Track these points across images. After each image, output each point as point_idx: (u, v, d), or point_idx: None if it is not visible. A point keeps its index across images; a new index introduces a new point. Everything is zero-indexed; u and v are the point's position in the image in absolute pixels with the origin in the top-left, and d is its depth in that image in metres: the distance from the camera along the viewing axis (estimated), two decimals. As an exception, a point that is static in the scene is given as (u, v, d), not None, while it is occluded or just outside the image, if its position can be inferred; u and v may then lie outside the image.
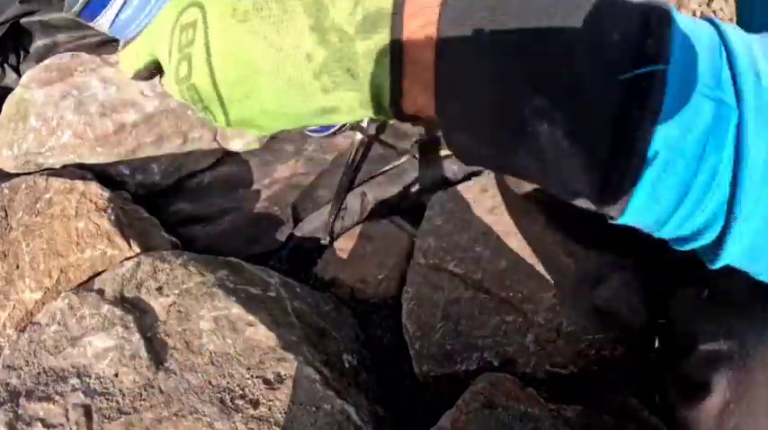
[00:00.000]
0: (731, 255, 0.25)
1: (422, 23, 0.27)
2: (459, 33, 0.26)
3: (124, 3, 0.37)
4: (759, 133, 0.22)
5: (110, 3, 0.37)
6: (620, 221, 0.27)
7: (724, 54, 0.24)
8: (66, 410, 0.60)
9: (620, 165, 0.24)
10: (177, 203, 1.03)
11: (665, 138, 0.23)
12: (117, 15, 0.38)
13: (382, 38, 0.28)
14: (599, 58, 0.23)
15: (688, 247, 0.27)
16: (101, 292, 0.71)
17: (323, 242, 0.97)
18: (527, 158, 0.26)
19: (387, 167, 1.07)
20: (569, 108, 0.24)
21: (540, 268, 0.82)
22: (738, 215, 0.23)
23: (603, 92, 0.23)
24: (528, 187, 0.83)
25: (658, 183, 0.24)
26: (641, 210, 0.25)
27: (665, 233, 0.26)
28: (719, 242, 0.25)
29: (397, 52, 0.27)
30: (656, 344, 0.84)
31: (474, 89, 0.26)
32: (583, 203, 0.27)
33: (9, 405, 0.60)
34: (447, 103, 0.28)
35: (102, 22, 0.40)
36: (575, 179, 0.25)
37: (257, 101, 0.31)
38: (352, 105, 0.31)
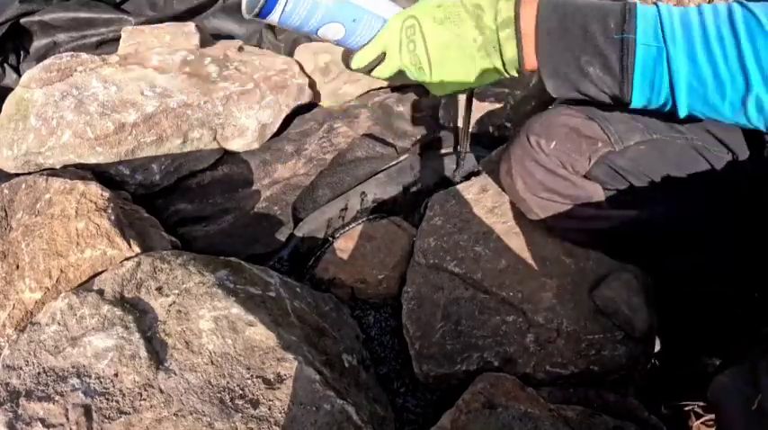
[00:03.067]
0: (684, 106, 0.55)
1: (529, 27, 0.58)
2: (545, 28, 0.57)
3: (286, 1, 0.58)
4: (675, 51, 0.53)
5: (277, 3, 0.58)
6: (632, 104, 0.58)
7: (657, 19, 0.54)
8: (66, 410, 0.60)
9: (625, 77, 0.55)
10: (177, 203, 1.03)
11: (639, 63, 0.54)
12: (283, 9, 0.59)
13: (511, 30, 0.59)
14: (606, 36, 0.55)
15: (666, 110, 0.58)
16: (101, 292, 0.71)
17: (323, 242, 0.97)
18: (586, 84, 0.58)
19: (387, 166, 1.07)
20: (600, 58, 0.56)
21: (540, 268, 0.82)
22: (675, 90, 0.55)
23: (613, 51, 0.55)
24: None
25: (642, 81, 0.55)
26: (638, 97, 0.57)
27: (653, 106, 0.58)
28: (674, 103, 0.56)
29: (519, 37, 0.59)
30: (657, 345, 0.84)
31: (554, 56, 0.58)
32: (611, 100, 0.59)
33: (9, 405, 0.60)
34: (542, 63, 0.59)
35: (273, 17, 0.60)
36: (608, 87, 0.57)
37: (447, 64, 0.63)
38: (497, 67, 0.63)
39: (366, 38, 0.65)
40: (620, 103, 0.59)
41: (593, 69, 0.56)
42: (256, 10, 0.57)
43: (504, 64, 0.62)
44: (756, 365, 0.51)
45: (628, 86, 0.56)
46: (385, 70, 0.66)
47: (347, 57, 0.68)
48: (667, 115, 0.59)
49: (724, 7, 0.52)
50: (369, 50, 0.65)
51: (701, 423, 0.77)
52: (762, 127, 0.54)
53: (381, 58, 0.66)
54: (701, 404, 0.78)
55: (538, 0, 0.58)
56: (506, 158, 0.83)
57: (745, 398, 0.50)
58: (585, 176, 0.76)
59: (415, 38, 0.62)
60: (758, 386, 0.49)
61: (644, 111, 0.64)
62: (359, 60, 0.66)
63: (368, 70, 0.67)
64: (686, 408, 0.79)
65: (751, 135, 0.75)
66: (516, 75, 0.63)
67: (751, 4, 0.51)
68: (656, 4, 0.56)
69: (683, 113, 0.56)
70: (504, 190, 0.91)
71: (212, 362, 0.64)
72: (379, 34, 0.64)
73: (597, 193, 0.76)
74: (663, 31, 0.53)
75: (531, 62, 0.60)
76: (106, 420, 0.59)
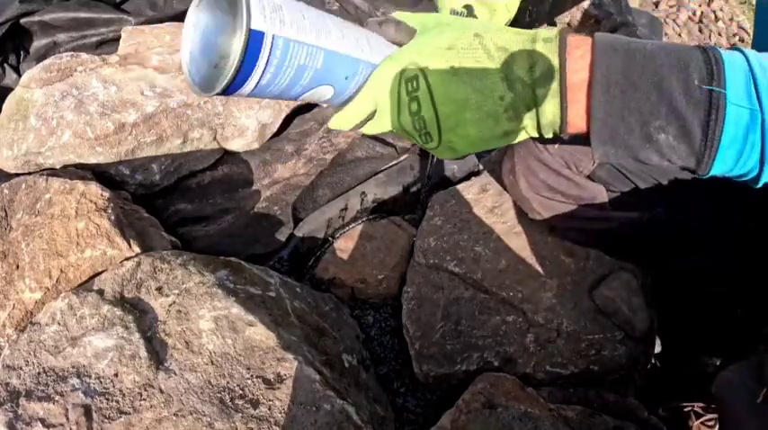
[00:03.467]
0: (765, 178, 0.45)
1: (580, 80, 0.44)
2: (604, 82, 0.43)
3: (263, 72, 0.41)
4: None
5: (250, 77, 0.41)
6: (707, 175, 0.46)
7: (749, 74, 0.42)
8: (66, 410, 0.60)
9: (709, 146, 0.43)
10: (177, 203, 1.03)
11: (730, 129, 0.42)
12: (257, 83, 0.42)
13: (554, 86, 0.44)
14: (688, 95, 0.42)
15: (742, 179, 0.47)
16: (101, 292, 0.71)
17: (323, 242, 0.97)
18: (649, 152, 0.45)
19: (387, 166, 1.07)
20: (678, 122, 0.43)
21: (540, 268, 0.82)
22: (765, 161, 0.43)
23: (695, 114, 0.42)
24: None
25: (728, 151, 0.43)
26: (717, 169, 0.45)
27: (729, 175, 0.47)
28: (759, 174, 0.44)
29: (563, 93, 0.44)
30: (657, 345, 0.84)
31: (614, 118, 0.44)
32: (684, 170, 0.47)
33: (9, 405, 0.60)
34: (596, 127, 0.44)
35: (243, 92, 0.43)
36: (680, 157, 0.45)
37: (462, 128, 0.47)
38: (528, 129, 0.48)
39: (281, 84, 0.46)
40: (689, 172, 0.48)
41: (664, 137, 0.44)
42: (219, 89, 0.41)
43: (539, 127, 0.47)
44: (763, 361, 0.51)
45: (709, 158, 0.43)
46: (375, 129, 0.51)
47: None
48: (741, 186, 0.48)
49: None
50: (354, 110, 0.49)
51: (701, 423, 0.77)
52: None
53: (371, 116, 0.50)
54: (701, 404, 0.78)
55: (591, 41, 0.44)
56: (509, 157, 0.83)
57: (750, 392, 0.50)
58: (589, 177, 0.76)
59: (419, 95, 0.47)
60: (763, 380, 0.49)
61: None
62: (340, 122, 0.50)
63: (353, 130, 0.53)
64: (686, 409, 0.79)
65: None
66: (551, 137, 0.48)
67: None
68: (735, 47, 0.45)
69: (761, 184, 0.46)
70: (506, 189, 0.91)
71: (212, 362, 0.64)
72: (367, 86, 0.48)
73: (601, 194, 0.76)
74: (757, 87, 0.41)
75: (577, 125, 0.45)
76: (106, 420, 0.59)
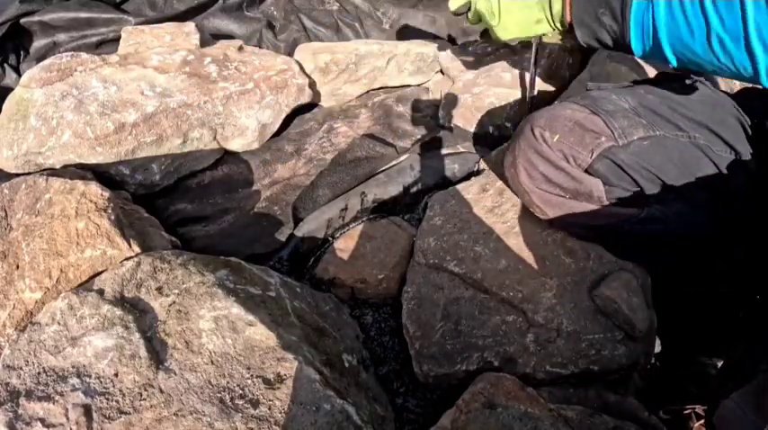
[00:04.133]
0: (667, 46, 0.68)
1: None
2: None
3: None
4: (658, 1, 0.68)
5: None
6: (633, 47, 0.72)
7: None
8: (66, 410, 0.60)
9: (625, 21, 0.71)
10: (177, 203, 1.03)
11: (633, 11, 0.70)
12: None
13: None
14: (614, 9, 0.72)
15: (658, 59, 0.72)
16: (101, 292, 0.71)
17: (323, 242, 0.97)
18: (602, 31, 0.76)
19: (387, 166, 1.07)
20: (610, 9, 0.73)
21: (540, 268, 0.82)
22: (658, 29, 0.69)
23: (617, 4, 0.72)
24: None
25: (636, 26, 0.71)
26: (635, 40, 0.72)
27: (647, 53, 0.72)
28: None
29: None
30: (657, 345, 0.84)
31: (582, 9, 0.76)
32: (618, 47, 0.76)
33: (9, 405, 0.60)
34: (574, 16, 0.78)
35: None
36: (615, 32, 0.74)
37: (512, 13, 0.85)
38: (548, 17, 0.82)
39: None
40: (624, 50, 0.74)
41: (605, 18, 0.73)
42: None
43: (552, 16, 0.81)
44: (765, 388, 0.51)
45: (627, 30, 0.71)
46: (471, 15, 0.92)
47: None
48: (662, 65, 0.74)
49: None
50: None
51: (701, 424, 0.77)
52: (731, 66, 0.63)
53: (469, 4, 0.92)
54: (702, 406, 0.78)
55: None
56: (511, 150, 0.84)
57: (752, 426, 0.50)
58: (587, 171, 0.77)
59: None
60: (765, 413, 0.49)
61: (651, 103, 0.77)
62: (453, 3, 0.95)
63: (458, 14, 0.96)
64: (686, 412, 0.79)
65: (754, 135, 0.75)
66: (560, 28, 0.83)
67: None
68: None
69: (672, 59, 0.69)
70: (507, 183, 0.91)
71: (212, 361, 0.64)
72: None
73: (597, 188, 0.77)
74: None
75: (568, 15, 0.79)
76: (106, 420, 0.59)
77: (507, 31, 0.87)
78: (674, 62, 0.70)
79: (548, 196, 0.80)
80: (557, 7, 0.80)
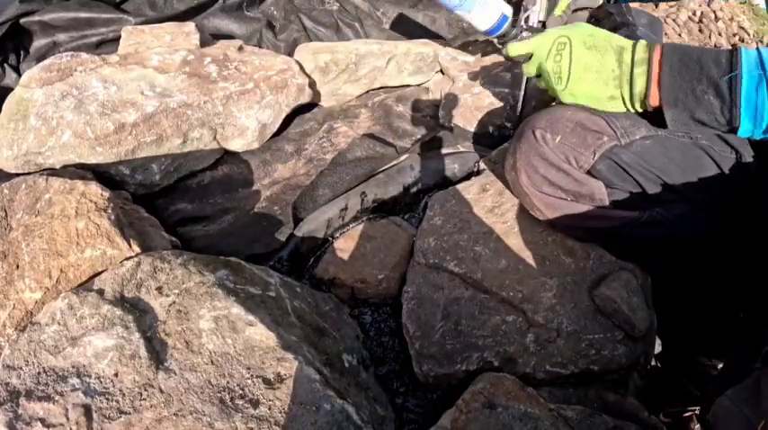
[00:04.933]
0: None
1: (656, 65, 0.69)
2: (668, 65, 0.68)
3: None
4: None
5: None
6: (741, 127, 0.65)
7: (757, 53, 0.63)
8: (66, 410, 0.60)
9: (734, 100, 0.63)
10: (177, 203, 1.03)
11: (745, 87, 0.63)
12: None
13: (644, 68, 0.70)
14: (720, 69, 0.64)
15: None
16: (101, 292, 0.71)
17: (323, 242, 0.97)
18: (700, 111, 0.67)
19: (387, 166, 1.07)
20: (713, 87, 0.65)
21: (540, 268, 0.82)
22: None
23: (724, 81, 0.64)
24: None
25: (747, 104, 0.63)
26: (745, 119, 0.64)
27: (755, 132, 0.65)
28: None
29: (649, 74, 0.69)
30: (657, 345, 0.84)
31: (675, 87, 0.67)
32: (722, 126, 0.67)
33: (9, 405, 0.60)
34: (665, 94, 0.68)
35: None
36: (720, 112, 0.66)
37: (583, 83, 0.75)
38: (624, 97, 0.73)
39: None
40: (731, 129, 0.67)
41: (707, 97, 0.65)
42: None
43: (631, 96, 0.72)
44: (759, 384, 0.51)
45: (736, 109, 0.63)
46: (529, 67, 0.81)
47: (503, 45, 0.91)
48: None
49: None
50: (522, 46, 0.80)
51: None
52: None
53: (529, 56, 0.81)
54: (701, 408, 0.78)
55: (661, 45, 0.70)
56: (511, 153, 0.84)
57: (746, 422, 0.50)
58: (589, 172, 0.77)
59: (564, 52, 0.75)
60: (761, 411, 0.49)
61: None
62: (513, 50, 0.82)
63: (517, 61, 0.84)
64: (686, 415, 0.79)
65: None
66: (639, 109, 0.74)
67: None
68: (757, 49, 0.66)
69: None
70: (508, 186, 0.91)
71: (212, 361, 0.64)
72: (534, 38, 0.79)
73: (599, 190, 0.76)
74: (762, 62, 0.62)
75: (655, 97, 0.70)
76: (106, 420, 0.59)
77: (573, 97, 0.77)
78: None
79: (549, 199, 0.80)
80: (639, 87, 0.70)
